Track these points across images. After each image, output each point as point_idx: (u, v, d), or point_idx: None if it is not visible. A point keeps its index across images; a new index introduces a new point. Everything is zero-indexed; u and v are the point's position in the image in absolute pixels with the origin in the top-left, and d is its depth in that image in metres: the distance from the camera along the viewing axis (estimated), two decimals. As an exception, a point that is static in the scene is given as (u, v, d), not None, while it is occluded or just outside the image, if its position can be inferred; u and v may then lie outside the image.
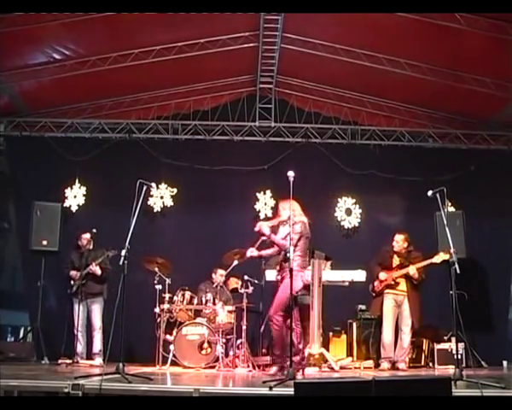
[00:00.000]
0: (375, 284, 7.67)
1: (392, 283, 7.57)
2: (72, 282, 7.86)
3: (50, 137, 9.58)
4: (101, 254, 7.75)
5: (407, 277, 7.53)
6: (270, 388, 4.27)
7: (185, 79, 9.36)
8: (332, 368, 6.76)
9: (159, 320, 7.68)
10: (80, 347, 7.76)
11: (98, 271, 7.82)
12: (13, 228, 10.32)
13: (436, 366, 7.98)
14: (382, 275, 7.61)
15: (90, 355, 7.79)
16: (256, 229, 6.26)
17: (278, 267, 6.43)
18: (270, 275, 7.41)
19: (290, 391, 3.79)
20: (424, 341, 8.28)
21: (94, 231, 7.90)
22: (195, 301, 7.74)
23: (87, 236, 8.04)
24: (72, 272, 7.89)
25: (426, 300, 7.92)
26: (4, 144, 9.68)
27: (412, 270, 7.45)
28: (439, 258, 7.38)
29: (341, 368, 6.96)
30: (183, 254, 8.74)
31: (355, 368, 7.33)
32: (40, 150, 9.47)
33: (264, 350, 7.93)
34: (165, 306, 7.64)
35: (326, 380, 4.58)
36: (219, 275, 8.08)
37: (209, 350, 7.35)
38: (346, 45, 8.42)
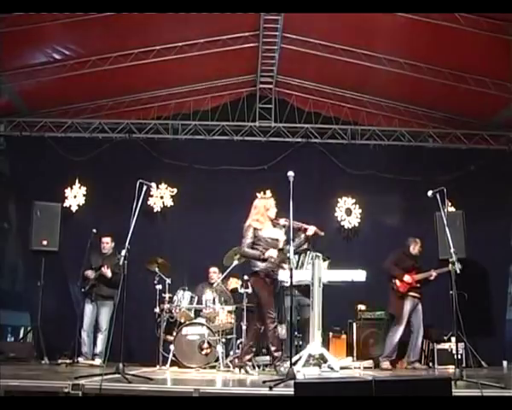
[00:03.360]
0: (398, 284, 7.77)
1: (418, 285, 7.78)
2: (85, 281, 7.94)
3: (50, 137, 9.58)
4: (116, 259, 7.74)
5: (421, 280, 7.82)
6: (270, 388, 4.27)
7: (185, 79, 9.37)
8: (332, 368, 6.76)
9: (159, 320, 7.68)
10: (85, 347, 7.81)
11: (109, 273, 7.85)
12: (13, 228, 10.32)
13: (436, 366, 8.00)
14: (407, 278, 7.76)
15: (92, 355, 7.83)
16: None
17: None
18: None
19: (290, 391, 3.79)
20: (424, 341, 8.27)
21: (94, 231, 7.91)
22: (195, 301, 7.74)
23: (107, 239, 8.12)
24: (88, 272, 7.93)
25: (426, 300, 7.93)
26: (4, 144, 9.69)
27: (433, 275, 7.75)
28: (457, 268, 7.46)
29: (341, 368, 6.95)
30: (183, 254, 8.75)
31: (355, 368, 7.33)
32: (40, 150, 9.47)
33: (264, 350, 7.91)
34: (165, 306, 7.64)
35: (326, 380, 4.57)
36: (213, 272, 8.16)
37: (209, 350, 7.34)
38: (346, 45, 8.43)
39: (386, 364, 7.47)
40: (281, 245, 6.30)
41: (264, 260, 6.19)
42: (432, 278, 7.81)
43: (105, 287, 7.92)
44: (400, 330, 7.66)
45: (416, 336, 7.77)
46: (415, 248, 7.95)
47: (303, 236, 6.56)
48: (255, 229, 6.24)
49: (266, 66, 9.20)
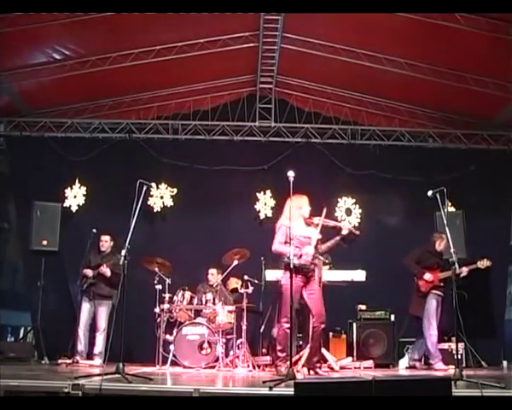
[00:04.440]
0: (420, 283, 7.64)
1: (442, 284, 7.57)
2: (84, 279, 7.87)
3: (50, 137, 9.57)
4: (116, 258, 7.71)
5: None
6: (270, 388, 4.27)
7: (185, 79, 9.36)
8: (332, 368, 6.76)
9: (159, 320, 7.68)
10: (80, 346, 7.74)
11: (108, 272, 7.79)
12: (13, 228, 10.33)
13: (436, 365, 8.00)
14: (428, 276, 7.59)
15: (90, 355, 7.77)
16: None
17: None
18: (270, 275, 7.40)
19: (290, 391, 3.79)
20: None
21: (94, 230, 7.90)
22: (195, 301, 7.74)
23: (106, 238, 8.06)
24: (87, 271, 7.84)
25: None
26: (4, 144, 9.69)
27: (461, 272, 7.35)
28: (484, 264, 7.53)
29: (341, 368, 6.96)
30: (183, 254, 8.73)
31: (355, 368, 7.34)
32: (40, 150, 9.47)
33: (264, 350, 7.93)
34: (165, 306, 7.64)
35: (326, 380, 4.57)
36: (211, 274, 8.14)
37: (209, 350, 7.35)
38: (346, 45, 8.42)
39: (439, 365, 7.35)
40: (313, 243, 6.17)
41: (300, 257, 6.06)
42: (460, 276, 7.35)
43: (104, 286, 7.86)
44: (432, 328, 7.48)
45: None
46: (440, 245, 7.67)
47: (338, 237, 6.47)
48: (287, 227, 6.13)
49: (266, 66, 9.20)
